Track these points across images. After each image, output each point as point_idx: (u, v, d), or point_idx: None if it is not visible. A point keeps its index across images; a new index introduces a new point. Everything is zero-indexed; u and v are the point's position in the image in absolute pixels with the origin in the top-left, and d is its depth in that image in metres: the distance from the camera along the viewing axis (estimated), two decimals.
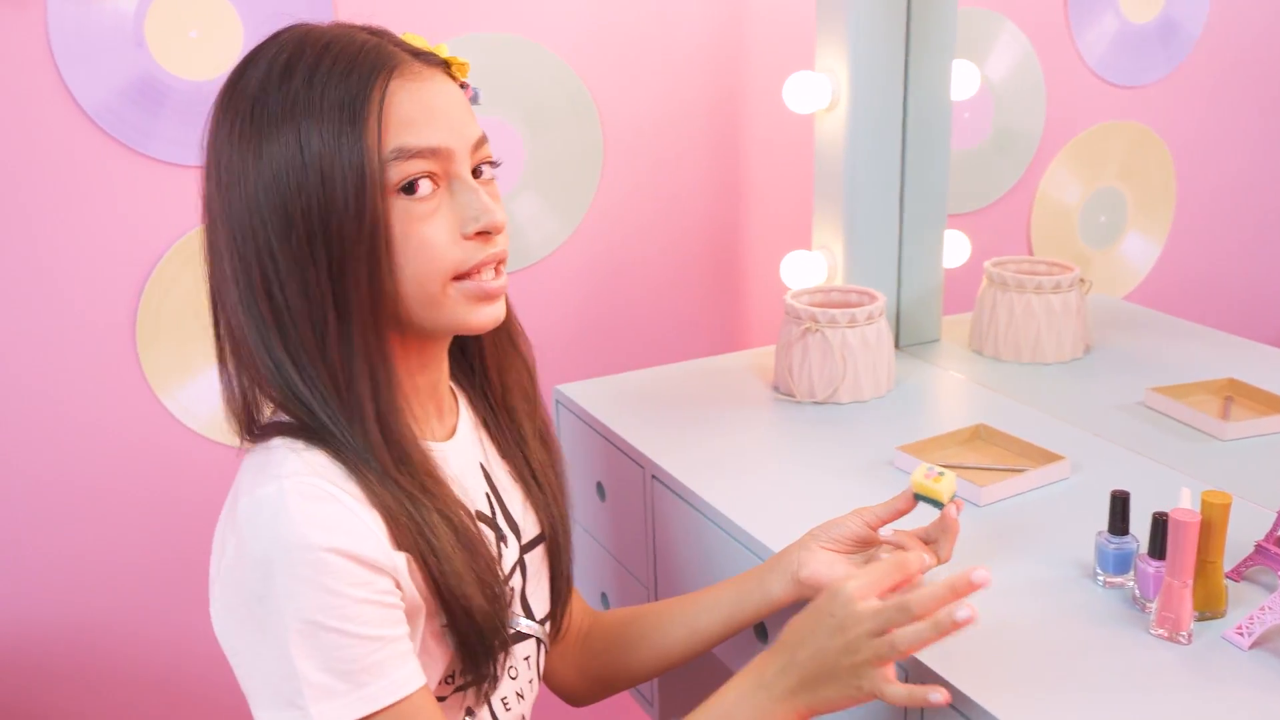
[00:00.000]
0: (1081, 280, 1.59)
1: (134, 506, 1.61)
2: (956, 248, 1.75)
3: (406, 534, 0.84)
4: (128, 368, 1.56)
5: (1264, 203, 2.08)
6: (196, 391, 1.59)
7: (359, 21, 0.91)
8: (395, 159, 0.84)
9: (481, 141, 0.90)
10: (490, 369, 1.03)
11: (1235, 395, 1.41)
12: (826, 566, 1.01)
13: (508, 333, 1.03)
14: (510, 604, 0.98)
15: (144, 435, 1.59)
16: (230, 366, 0.90)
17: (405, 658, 0.84)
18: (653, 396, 1.50)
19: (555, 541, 1.05)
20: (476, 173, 0.90)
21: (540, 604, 1.04)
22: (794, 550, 1.03)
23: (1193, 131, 2.09)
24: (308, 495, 0.81)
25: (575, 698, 1.15)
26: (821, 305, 1.51)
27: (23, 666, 1.60)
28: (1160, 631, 0.95)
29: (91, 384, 1.55)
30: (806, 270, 1.63)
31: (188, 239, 1.54)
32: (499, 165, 0.93)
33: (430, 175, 0.86)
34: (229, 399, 0.91)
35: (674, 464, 1.30)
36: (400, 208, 0.85)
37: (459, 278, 0.88)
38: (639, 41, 1.73)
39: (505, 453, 1.04)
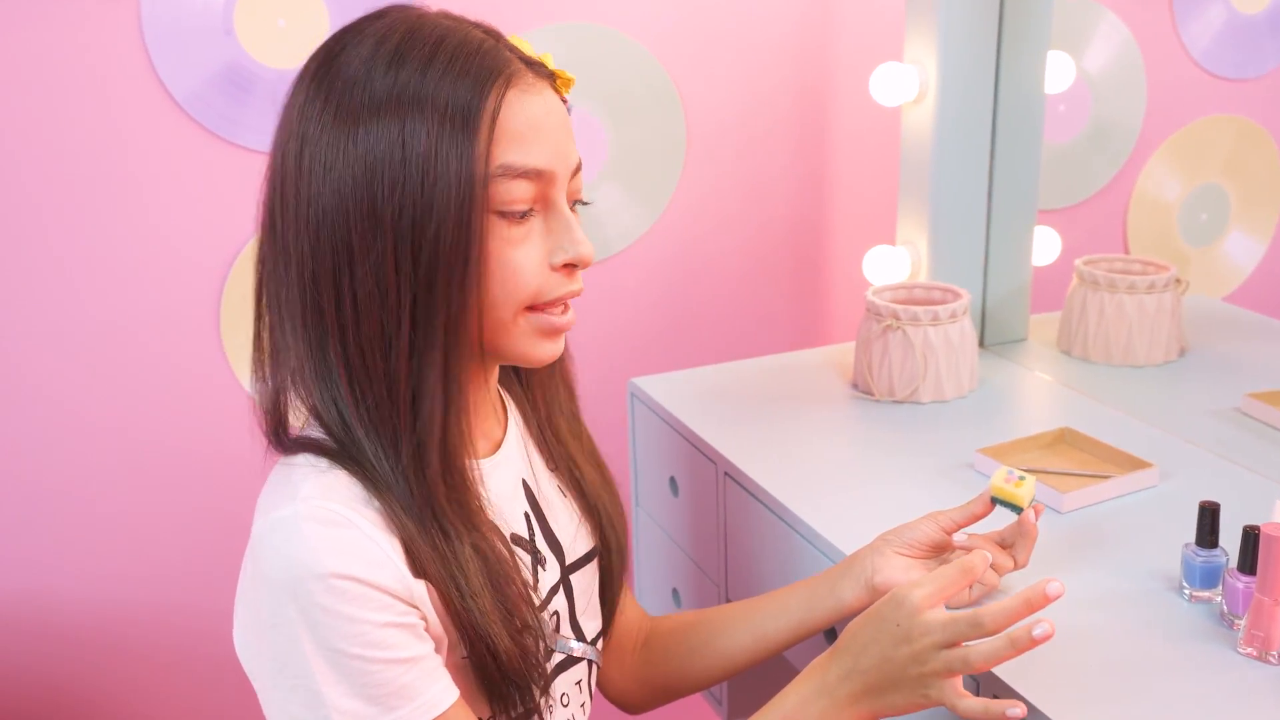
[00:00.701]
0: (1177, 280, 1.53)
1: (213, 488, 1.63)
2: (1047, 245, 1.70)
3: (430, 564, 0.81)
4: (212, 352, 1.59)
5: None
6: None
7: (464, 14, 0.87)
8: (501, 175, 0.80)
9: (579, 168, 0.87)
10: (534, 386, 1.00)
11: None
12: (901, 572, 0.98)
13: None
14: (557, 628, 0.95)
15: (229, 422, 1.61)
16: (267, 359, 0.86)
17: (435, 675, 0.81)
18: (728, 392, 1.49)
19: (609, 561, 1.03)
20: (572, 207, 0.87)
21: (592, 623, 1.01)
22: (866, 555, 1.00)
23: None
24: (323, 520, 0.77)
25: (634, 706, 1.13)
26: (904, 302, 1.48)
27: (79, 647, 1.64)
28: (1249, 650, 0.91)
29: (176, 369, 1.58)
30: (890, 266, 1.59)
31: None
32: (589, 205, 0.91)
33: (530, 202, 0.83)
34: (261, 396, 0.87)
35: (747, 461, 1.28)
36: (497, 225, 0.81)
37: (532, 308, 0.85)
38: (723, 31, 1.71)
39: (554, 466, 1.01)
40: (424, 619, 0.81)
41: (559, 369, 1.01)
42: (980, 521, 1.00)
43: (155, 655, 1.67)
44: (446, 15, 0.85)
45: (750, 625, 1.04)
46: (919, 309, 1.40)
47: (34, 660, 1.61)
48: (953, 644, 0.82)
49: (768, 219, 1.82)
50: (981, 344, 1.63)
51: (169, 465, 1.61)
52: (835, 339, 1.90)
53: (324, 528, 0.77)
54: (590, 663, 1.01)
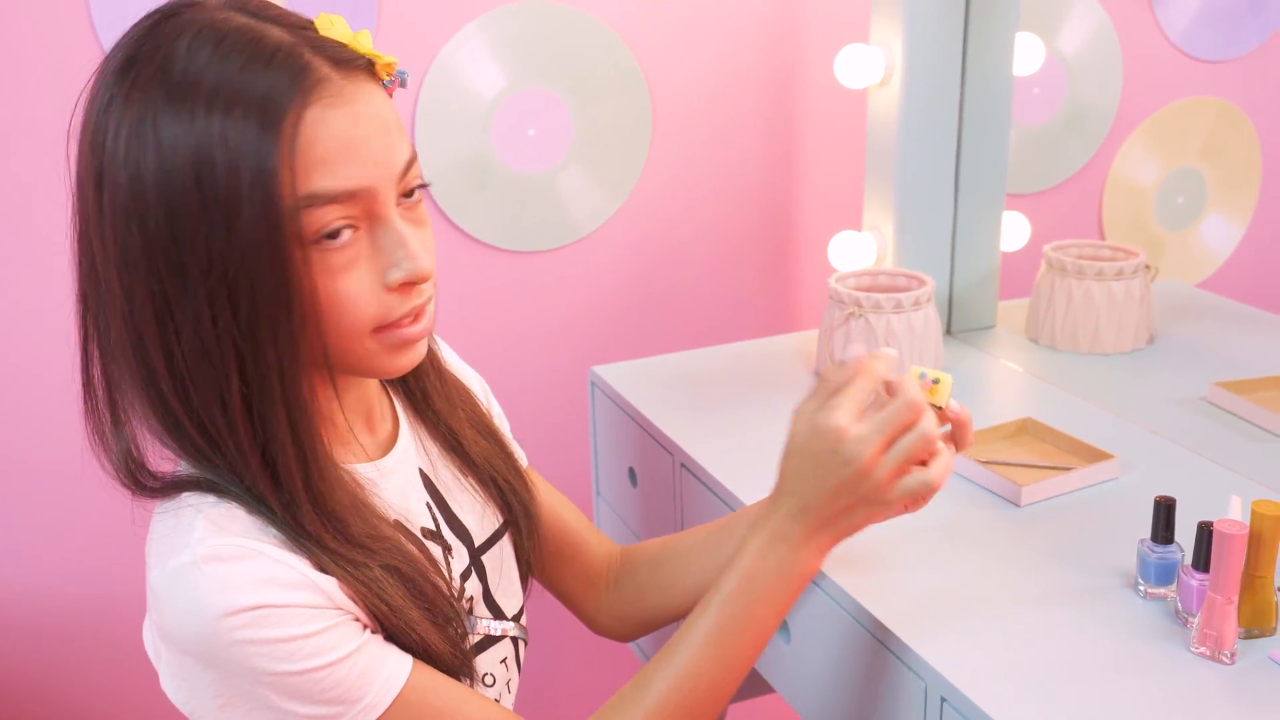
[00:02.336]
0: (1147, 266, 1.50)
1: None
2: (1015, 230, 1.67)
3: (347, 588, 0.78)
4: None
5: None
6: None
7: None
8: (308, 206, 0.72)
9: (410, 163, 0.78)
10: (407, 378, 0.95)
11: None
12: None
13: None
14: (471, 611, 0.94)
15: None
16: (102, 409, 0.80)
17: (385, 652, 0.80)
18: (689, 380, 1.46)
19: (517, 532, 1.00)
20: (411, 193, 0.79)
21: (511, 601, 0.99)
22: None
23: None
24: (225, 558, 0.74)
25: (625, 638, 1.12)
26: (868, 289, 1.45)
27: (65, 639, 1.62)
28: (1201, 650, 0.89)
29: None
30: (855, 252, 1.57)
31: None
32: (428, 186, 0.82)
33: (350, 220, 0.75)
34: (106, 446, 0.81)
35: (703, 452, 1.25)
36: (316, 258, 0.74)
37: (380, 329, 0.79)
38: (690, 12, 1.68)
39: (447, 448, 0.97)
40: (356, 616, 0.80)
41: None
42: None
43: (114, 646, 1.64)
44: (241, 7, 0.75)
45: (719, 551, 1.02)
46: (881, 296, 1.38)
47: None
48: (890, 439, 0.84)
49: (735, 203, 1.79)
50: (949, 331, 1.60)
51: None
52: (803, 325, 1.88)
53: (227, 565, 0.74)
54: (514, 639, 0.99)
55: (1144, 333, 1.51)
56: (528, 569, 1.03)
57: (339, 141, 0.73)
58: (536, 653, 1.84)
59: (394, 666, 0.80)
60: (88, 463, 0.83)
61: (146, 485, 0.81)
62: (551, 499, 1.09)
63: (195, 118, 0.70)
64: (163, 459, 0.81)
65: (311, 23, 0.77)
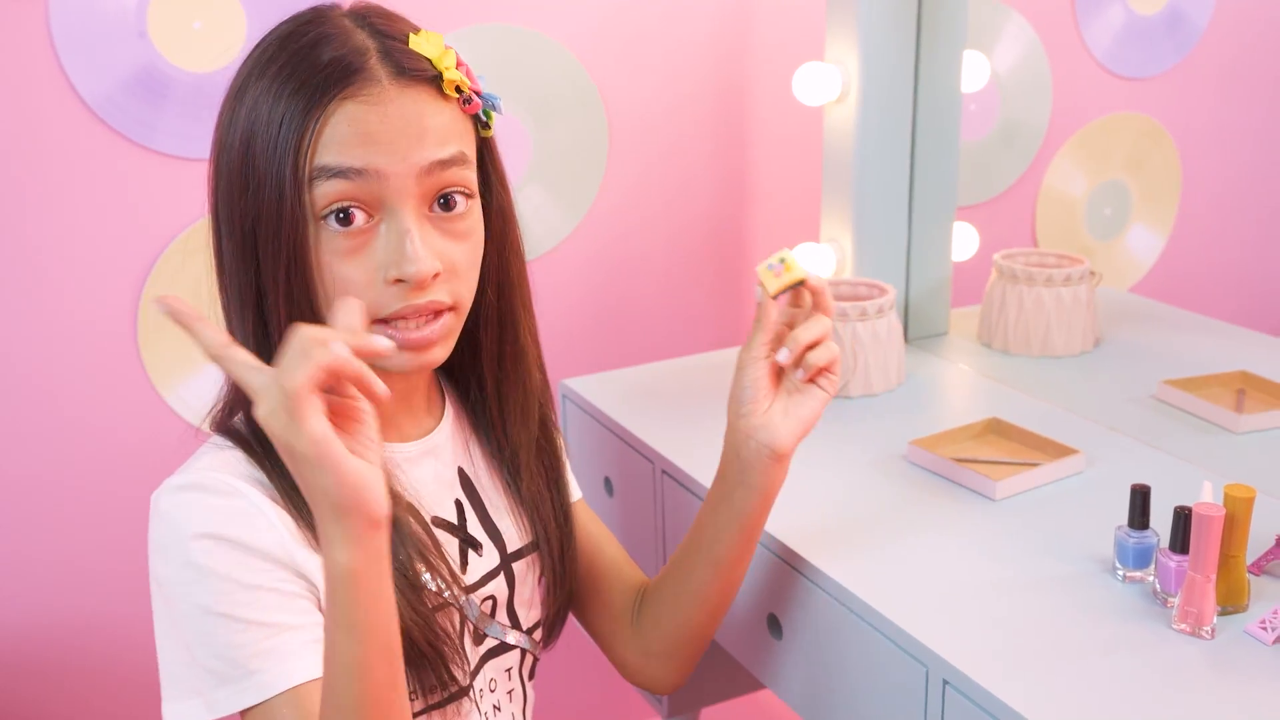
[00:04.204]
0: (1091, 273, 1.58)
1: (133, 504, 1.59)
2: (964, 240, 1.74)
3: None
4: (129, 363, 1.54)
5: (1270, 195, 2.07)
6: (199, 387, 1.57)
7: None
8: (317, 178, 0.79)
9: (444, 164, 0.82)
10: (488, 386, 0.98)
11: (1248, 388, 1.40)
12: (780, 419, 0.96)
13: (514, 358, 0.98)
14: (492, 615, 0.96)
15: (145, 432, 1.57)
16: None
17: (306, 646, 0.80)
18: (661, 391, 1.49)
19: (549, 553, 1.02)
20: (449, 202, 0.84)
21: (530, 614, 1.01)
22: (742, 436, 0.97)
23: (1198, 124, 2.08)
24: (208, 488, 0.81)
25: (660, 682, 1.08)
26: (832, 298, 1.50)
27: (14, 668, 1.58)
28: (1182, 626, 0.94)
29: (92, 380, 1.53)
30: (815, 263, 1.61)
31: (190, 233, 1.52)
32: (473, 197, 0.86)
33: (362, 204, 0.80)
34: (222, 386, 0.91)
35: (684, 459, 1.28)
36: (326, 237, 0.81)
37: (378, 322, 0.83)
38: (644, 32, 1.72)
39: (496, 458, 1.00)
40: (314, 592, 0.82)
41: (523, 377, 0.99)
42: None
43: (84, 668, 1.61)
44: (359, 12, 0.85)
45: (701, 556, 1.01)
46: (847, 305, 1.43)
47: None
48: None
49: (690, 218, 1.83)
50: (905, 338, 1.66)
51: (84, 476, 1.56)
52: None
53: (207, 495, 0.80)
54: (524, 652, 1.01)
55: (1090, 336, 1.58)
56: (552, 592, 1.04)
57: (358, 129, 0.80)
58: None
59: (302, 667, 0.80)
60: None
61: (217, 423, 0.89)
62: (592, 535, 1.09)
63: (265, 93, 0.81)
64: None
65: (408, 36, 0.83)
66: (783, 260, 0.93)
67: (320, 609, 0.82)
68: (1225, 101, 2.05)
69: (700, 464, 1.27)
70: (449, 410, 0.99)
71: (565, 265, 1.77)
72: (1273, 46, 1.99)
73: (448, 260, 0.84)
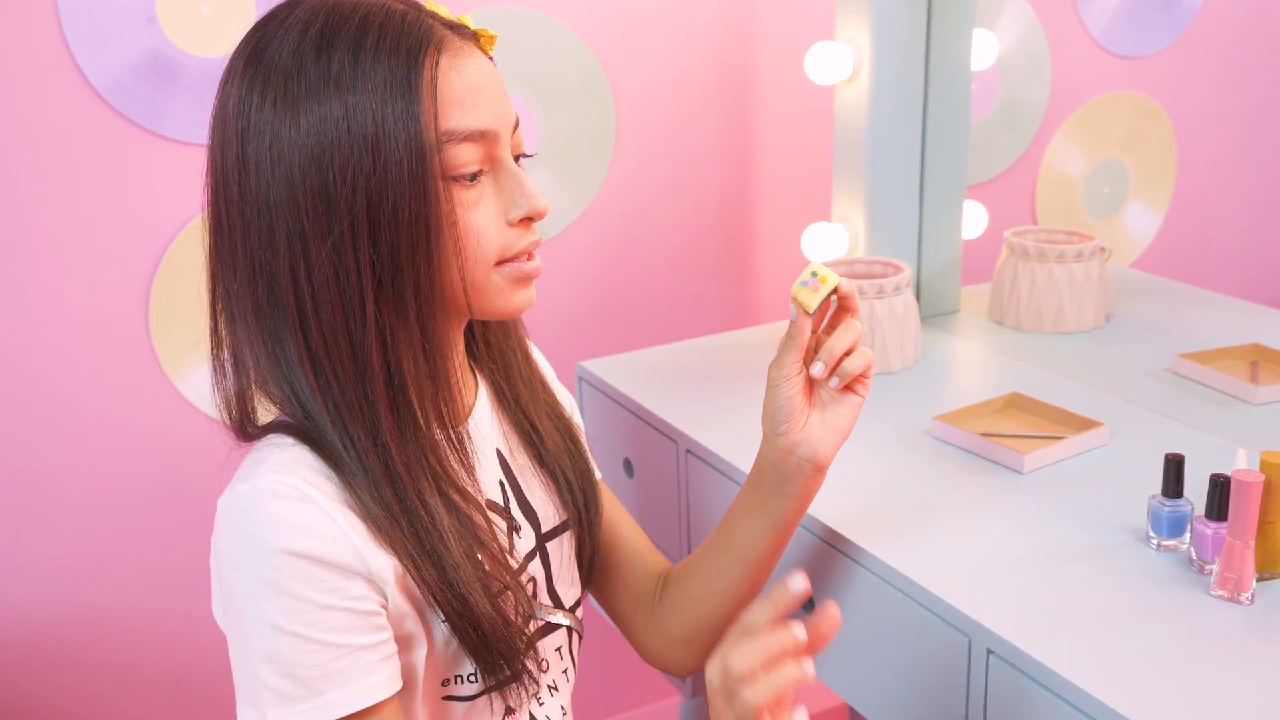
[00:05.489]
0: (1102, 249, 1.59)
1: (145, 493, 1.58)
2: (974, 218, 1.74)
3: (403, 541, 0.81)
4: (140, 351, 1.53)
5: (1264, 173, 2.09)
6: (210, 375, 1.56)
7: None
8: (448, 141, 0.81)
9: (518, 124, 0.88)
10: (493, 354, 1.00)
11: (1261, 360, 1.42)
12: (819, 430, 0.94)
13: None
14: (534, 597, 0.95)
15: (157, 420, 1.56)
16: (225, 356, 0.87)
17: (374, 667, 0.81)
18: (679, 372, 1.49)
19: (581, 525, 1.02)
20: (516, 160, 0.88)
21: (570, 591, 1.01)
22: (782, 449, 0.95)
23: (1193, 101, 2.10)
24: (280, 494, 0.78)
25: (677, 665, 1.08)
26: (846, 277, 1.50)
27: (27, 659, 1.57)
28: (1221, 593, 0.95)
29: (103, 368, 1.52)
30: (828, 242, 1.62)
31: (202, 219, 1.51)
32: (531, 156, 0.91)
33: (478, 161, 0.84)
34: (223, 397, 0.88)
35: (710, 438, 1.29)
36: (449, 192, 0.82)
37: (501, 263, 0.86)
38: (651, 13, 1.72)
39: (524, 439, 1.00)
40: (383, 602, 0.81)
41: (514, 334, 1.01)
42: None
43: (92, 661, 1.60)
44: None
45: (732, 556, 1.00)
46: (864, 283, 1.43)
47: None
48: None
49: (698, 200, 1.83)
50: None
51: (96, 468, 1.55)
52: (766, 319, 1.93)
53: (280, 502, 0.78)
54: (569, 630, 1.01)
55: (1101, 311, 1.59)
56: (587, 568, 1.04)
57: (469, 86, 0.82)
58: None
59: (373, 685, 0.80)
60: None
61: (248, 433, 0.87)
62: (612, 516, 1.09)
63: (344, 69, 0.79)
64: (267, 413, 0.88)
65: (419, 4, 0.85)
66: (815, 274, 0.92)
67: (389, 620, 0.82)
68: (1220, 79, 2.06)
69: (724, 442, 1.27)
70: (483, 386, 0.99)
71: (573, 249, 1.76)
72: (1266, 24, 2.01)
73: None
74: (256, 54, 0.81)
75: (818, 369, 0.93)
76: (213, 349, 0.88)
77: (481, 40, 0.87)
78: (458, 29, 0.85)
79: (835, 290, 0.92)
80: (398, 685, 0.82)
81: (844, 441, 0.96)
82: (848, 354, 0.93)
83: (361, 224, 0.79)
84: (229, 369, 0.87)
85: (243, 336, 0.84)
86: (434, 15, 0.85)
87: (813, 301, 0.92)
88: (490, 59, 0.88)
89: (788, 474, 0.96)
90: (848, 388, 0.95)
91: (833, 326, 0.95)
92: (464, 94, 0.82)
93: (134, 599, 1.61)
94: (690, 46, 1.75)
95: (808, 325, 0.93)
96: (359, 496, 0.81)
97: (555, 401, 1.04)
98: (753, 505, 0.99)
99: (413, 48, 0.80)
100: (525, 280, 0.88)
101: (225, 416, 0.88)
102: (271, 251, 0.81)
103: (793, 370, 0.94)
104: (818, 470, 0.96)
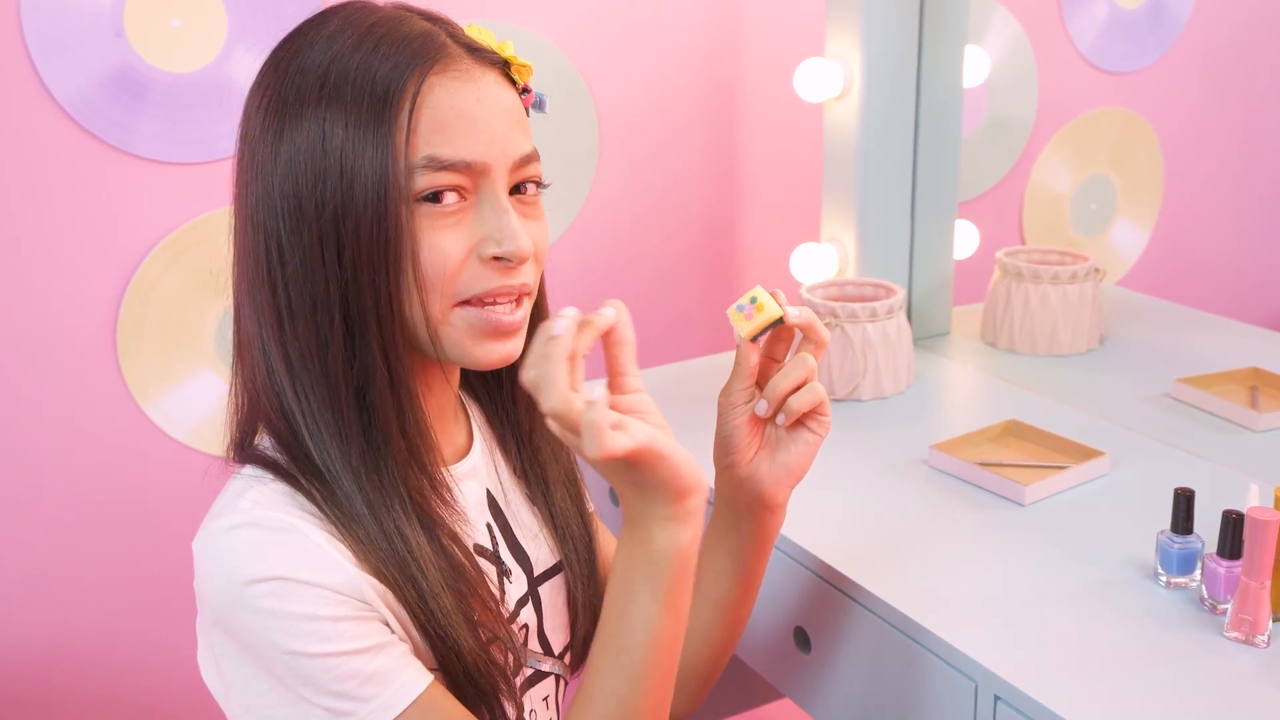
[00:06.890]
0: (1096, 270, 1.56)
1: (112, 518, 1.53)
2: (965, 238, 1.71)
3: (385, 568, 0.78)
4: (108, 375, 1.48)
5: (1250, 189, 2.07)
6: (180, 399, 1.51)
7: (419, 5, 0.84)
8: (424, 167, 0.77)
9: (527, 160, 0.82)
10: (519, 402, 0.94)
11: (1260, 385, 1.39)
12: (767, 466, 0.90)
13: None
14: (525, 642, 0.91)
15: (124, 444, 1.51)
16: (238, 372, 0.85)
17: (407, 658, 0.78)
18: (664, 396, 1.44)
19: (579, 573, 0.97)
20: (520, 189, 0.82)
21: (559, 637, 0.97)
22: (736, 487, 0.91)
23: (1180, 118, 2.08)
24: (263, 526, 0.76)
25: (675, 712, 1.02)
26: (837, 299, 1.47)
27: None
28: (1235, 634, 0.92)
29: (70, 391, 1.47)
30: (817, 263, 1.58)
31: (171, 239, 1.46)
32: (546, 187, 0.85)
33: (459, 189, 0.79)
34: (232, 408, 0.86)
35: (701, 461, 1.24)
36: (421, 212, 0.78)
37: (466, 303, 0.80)
38: (635, 28, 1.68)
39: (522, 476, 0.96)
40: (386, 622, 0.79)
41: None
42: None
43: (49, 684, 1.55)
44: (396, 5, 0.83)
45: (702, 599, 0.96)
46: (857, 306, 1.39)
47: None
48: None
49: (682, 219, 1.79)
50: None
51: (61, 492, 1.49)
52: None
53: (263, 533, 0.76)
54: (558, 678, 0.97)
55: (1096, 333, 1.56)
56: (576, 613, 0.99)
57: (460, 112, 0.78)
58: None
59: (413, 676, 0.78)
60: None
61: (243, 451, 0.84)
62: (604, 552, 1.04)
63: (330, 74, 0.77)
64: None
65: (459, 25, 0.84)
66: (754, 300, 0.86)
67: (390, 630, 0.79)
68: (1206, 95, 2.05)
69: (712, 471, 1.23)
70: (476, 421, 0.94)
71: (555, 268, 1.71)
72: (1251, 40, 2.00)
73: (532, 242, 0.81)
74: (273, 58, 0.81)
75: (761, 407, 0.89)
76: (234, 353, 0.86)
77: (513, 69, 0.84)
78: (477, 53, 0.81)
79: (781, 321, 0.87)
80: (429, 674, 0.79)
81: (797, 482, 0.91)
82: (798, 389, 0.88)
83: (329, 237, 0.77)
84: (239, 375, 0.85)
85: (245, 338, 0.83)
86: (458, 37, 0.82)
87: (744, 328, 0.87)
88: (516, 88, 0.84)
89: (739, 511, 0.92)
90: (802, 424, 0.90)
91: (791, 356, 0.89)
92: (453, 119, 0.78)
93: (104, 624, 1.55)
94: (676, 62, 1.72)
95: (748, 351, 0.89)
96: (344, 525, 0.78)
97: (573, 465, 0.99)
98: (713, 543, 0.95)
99: (404, 62, 0.77)
100: (494, 332, 0.81)
101: (232, 426, 0.86)
102: (258, 258, 0.79)
103: (739, 399, 0.90)
104: (767, 509, 0.91)
